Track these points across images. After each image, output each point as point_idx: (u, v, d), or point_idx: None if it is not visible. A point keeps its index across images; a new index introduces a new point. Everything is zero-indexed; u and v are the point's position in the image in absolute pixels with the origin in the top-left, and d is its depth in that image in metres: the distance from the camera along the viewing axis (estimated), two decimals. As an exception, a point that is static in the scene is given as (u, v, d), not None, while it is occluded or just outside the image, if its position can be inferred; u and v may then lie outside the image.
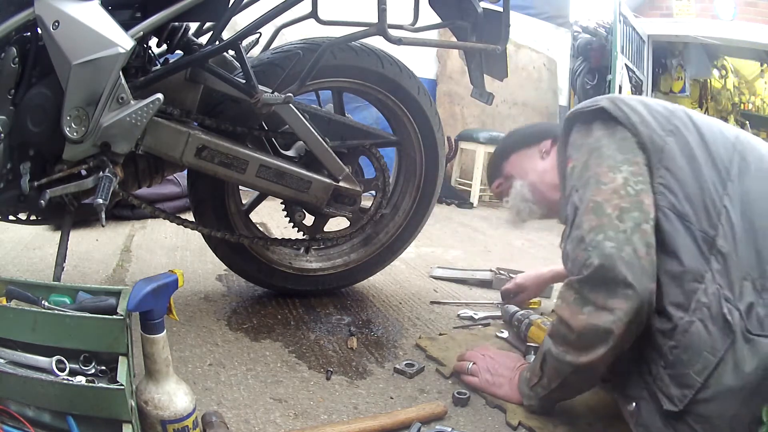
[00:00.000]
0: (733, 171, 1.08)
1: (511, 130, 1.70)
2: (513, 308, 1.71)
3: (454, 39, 1.68)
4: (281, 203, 1.70)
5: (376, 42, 1.49)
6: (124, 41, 1.25)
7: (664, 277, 1.05)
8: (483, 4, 1.53)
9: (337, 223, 1.81)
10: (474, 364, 1.35)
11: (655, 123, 1.15)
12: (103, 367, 1.04)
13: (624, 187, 1.09)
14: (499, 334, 1.65)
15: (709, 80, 6.49)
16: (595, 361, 1.06)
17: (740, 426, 0.97)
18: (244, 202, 1.77)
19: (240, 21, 1.90)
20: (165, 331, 0.98)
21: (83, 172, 1.35)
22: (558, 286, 2.30)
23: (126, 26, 1.29)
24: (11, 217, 1.48)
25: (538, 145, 1.50)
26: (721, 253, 1.02)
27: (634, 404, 1.10)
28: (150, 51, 1.50)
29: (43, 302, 1.09)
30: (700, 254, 1.04)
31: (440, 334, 1.65)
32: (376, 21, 1.32)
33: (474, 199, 4.41)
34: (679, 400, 1.01)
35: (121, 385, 0.91)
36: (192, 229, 1.61)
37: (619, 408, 1.16)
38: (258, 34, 1.66)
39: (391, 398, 1.30)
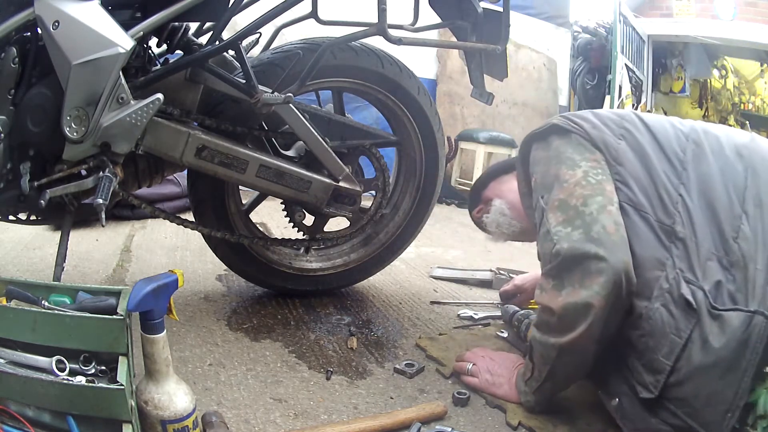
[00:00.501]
0: (687, 159, 1.13)
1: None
2: (513, 308, 1.71)
3: (454, 39, 1.68)
4: (281, 203, 1.70)
5: (376, 42, 1.49)
6: (124, 41, 1.25)
7: None
8: (483, 4, 1.53)
9: (337, 223, 1.81)
10: (474, 365, 1.35)
11: (606, 128, 1.21)
12: (103, 367, 1.04)
13: (585, 178, 1.15)
14: (500, 334, 1.65)
15: (709, 80, 6.48)
16: (576, 339, 1.07)
17: (721, 405, 0.97)
18: (244, 202, 1.77)
19: (240, 21, 1.90)
20: (165, 331, 0.98)
21: (83, 172, 1.35)
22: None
23: (126, 26, 1.29)
24: (11, 217, 1.48)
25: (514, 172, 1.55)
26: (680, 239, 1.06)
27: (616, 399, 1.11)
28: (150, 51, 1.50)
29: (43, 302, 1.09)
30: (659, 243, 1.08)
31: (440, 334, 1.65)
32: (376, 21, 1.33)
33: (474, 199, 4.41)
34: (653, 386, 1.03)
35: (121, 385, 0.90)
36: (192, 229, 1.61)
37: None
38: (258, 34, 1.66)
39: (391, 398, 1.30)
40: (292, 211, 1.69)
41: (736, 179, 1.10)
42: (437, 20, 1.68)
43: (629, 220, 1.11)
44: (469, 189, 4.85)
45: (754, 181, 1.09)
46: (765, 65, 6.65)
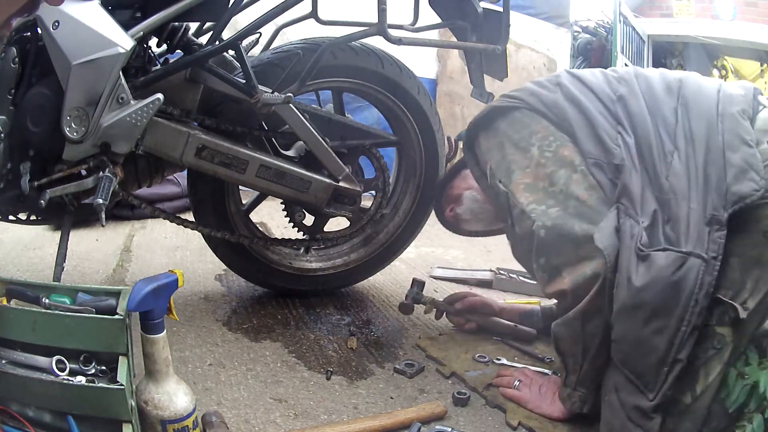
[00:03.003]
0: (618, 101, 1.15)
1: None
2: None
3: (454, 39, 1.68)
4: (281, 203, 1.70)
5: (376, 42, 1.49)
6: (124, 41, 1.25)
7: None
8: (483, 4, 1.53)
9: (337, 223, 1.81)
10: (521, 381, 1.32)
11: (541, 89, 1.23)
12: (103, 367, 1.04)
13: (542, 155, 1.15)
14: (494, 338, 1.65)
15: (709, 80, 6.48)
16: (594, 299, 1.05)
17: (652, 355, 0.96)
18: (244, 202, 1.77)
19: (240, 21, 1.90)
20: (165, 331, 0.98)
21: (83, 172, 1.35)
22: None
23: (126, 26, 1.29)
24: (11, 217, 1.48)
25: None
26: (622, 172, 1.07)
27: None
28: (150, 51, 1.50)
29: (44, 300, 1.09)
30: (612, 185, 1.08)
31: (440, 334, 1.65)
32: (376, 21, 1.32)
33: (474, 199, 4.41)
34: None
35: (121, 385, 0.91)
36: (192, 229, 1.61)
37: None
38: (258, 34, 1.66)
39: (391, 398, 1.30)
40: (292, 211, 1.69)
41: (666, 116, 1.10)
42: (437, 20, 1.68)
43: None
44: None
45: (685, 115, 1.09)
46: (765, 65, 6.65)
